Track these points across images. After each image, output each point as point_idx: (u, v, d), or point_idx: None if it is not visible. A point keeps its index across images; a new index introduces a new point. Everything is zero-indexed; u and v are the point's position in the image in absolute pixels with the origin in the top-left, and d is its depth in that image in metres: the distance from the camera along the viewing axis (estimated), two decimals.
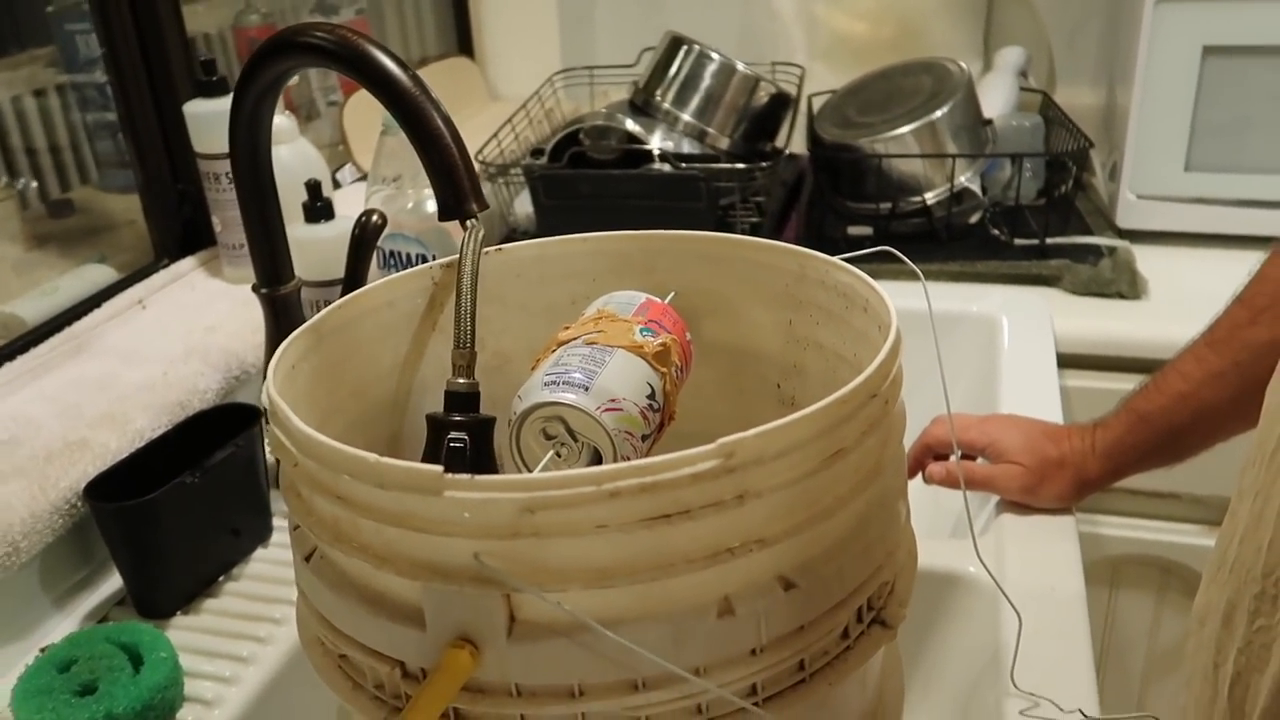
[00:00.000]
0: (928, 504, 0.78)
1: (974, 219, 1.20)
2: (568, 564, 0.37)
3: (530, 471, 0.47)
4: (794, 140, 1.33)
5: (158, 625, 0.68)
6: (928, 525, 0.80)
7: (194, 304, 0.94)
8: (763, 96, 1.24)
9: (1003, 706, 0.60)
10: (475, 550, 0.37)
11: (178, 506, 0.68)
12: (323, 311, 0.52)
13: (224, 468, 0.71)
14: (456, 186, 0.59)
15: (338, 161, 1.27)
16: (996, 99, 1.28)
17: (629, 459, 0.46)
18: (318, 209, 0.88)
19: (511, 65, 1.59)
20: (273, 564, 0.76)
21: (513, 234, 1.26)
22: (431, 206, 0.96)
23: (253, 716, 0.64)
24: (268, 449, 0.80)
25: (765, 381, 0.60)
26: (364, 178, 1.27)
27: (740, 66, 1.21)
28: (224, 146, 0.94)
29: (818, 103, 1.34)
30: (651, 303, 0.52)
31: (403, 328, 0.57)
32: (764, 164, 1.14)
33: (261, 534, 0.78)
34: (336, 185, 1.24)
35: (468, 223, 0.58)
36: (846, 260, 0.55)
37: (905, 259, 0.57)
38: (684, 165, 1.13)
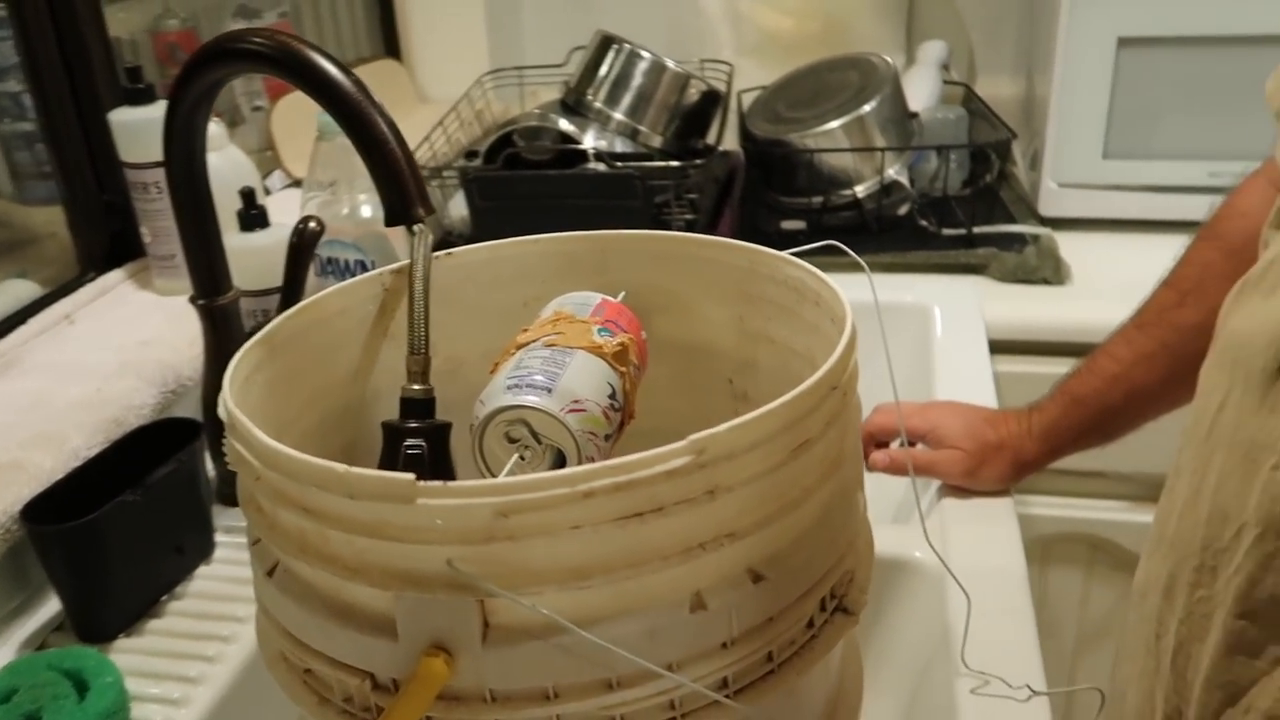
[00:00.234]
0: (870, 490, 0.80)
1: (903, 210, 1.22)
2: (542, 565, 0.37)
3: (495, 476, 0.47)
4: (725, 137, 1.34)
5: (101, 649, 0.67)
6: (871, 512, 0.82)
7: (125, 318, 0.92)
8: (693, 94, 1.25)
9: (953, 686, 0.62)
10: (449, 556, 0.37)
11: (119, 526, 0.67)
12: (274, 321, 0.52)
13: (165, 485, 0.70)
14: (403, 191, 0.59)
15: (266, 168, 1.25)
16: (921, 92, 1.31)
17: (593, 460, 0.46)
18: (252, 217, 0.87)
19: (439, 67, 1.58)
20: (217, 580, 0.75)
21: (448, 237, 1.26)
22: (368, 212, 0.95)
23: None
24: (209, 464, 0.79)
25: (718, 377, 0.60)
26: (294, 184, 1.26)
27: (670, 64, 1.22)
28: (152, 155, 0.93)
29: (747, 99, 1.35)
30: (607, 303, 0.52)
31: (355, 336, 0.57)
32: (698, 161, 1.15)
33: (204, 550, 0.76)
34: (267, 192, 1.22)
35: (415, 228, 0.58)
36: (795, 255, 0.56)
37: (850, 252, 0.58)
38: (619, 164, 1.13)
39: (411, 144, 1.20)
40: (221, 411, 0.44)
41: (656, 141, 1.24)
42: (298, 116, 1.28)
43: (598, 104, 1.22)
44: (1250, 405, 0.47)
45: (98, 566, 0.67)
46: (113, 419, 0.77)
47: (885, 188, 1.19)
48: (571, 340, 0.48)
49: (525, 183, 1.14)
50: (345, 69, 0.60)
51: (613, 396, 0.47)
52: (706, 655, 0.40)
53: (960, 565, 0.69)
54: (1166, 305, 0.70)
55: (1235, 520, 0.45)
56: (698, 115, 1.28)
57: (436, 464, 0.54)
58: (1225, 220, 0.67)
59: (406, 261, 0.58)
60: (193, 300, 0.76)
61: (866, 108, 1.17)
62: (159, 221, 0.94)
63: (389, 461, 0.54)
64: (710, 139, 1.31)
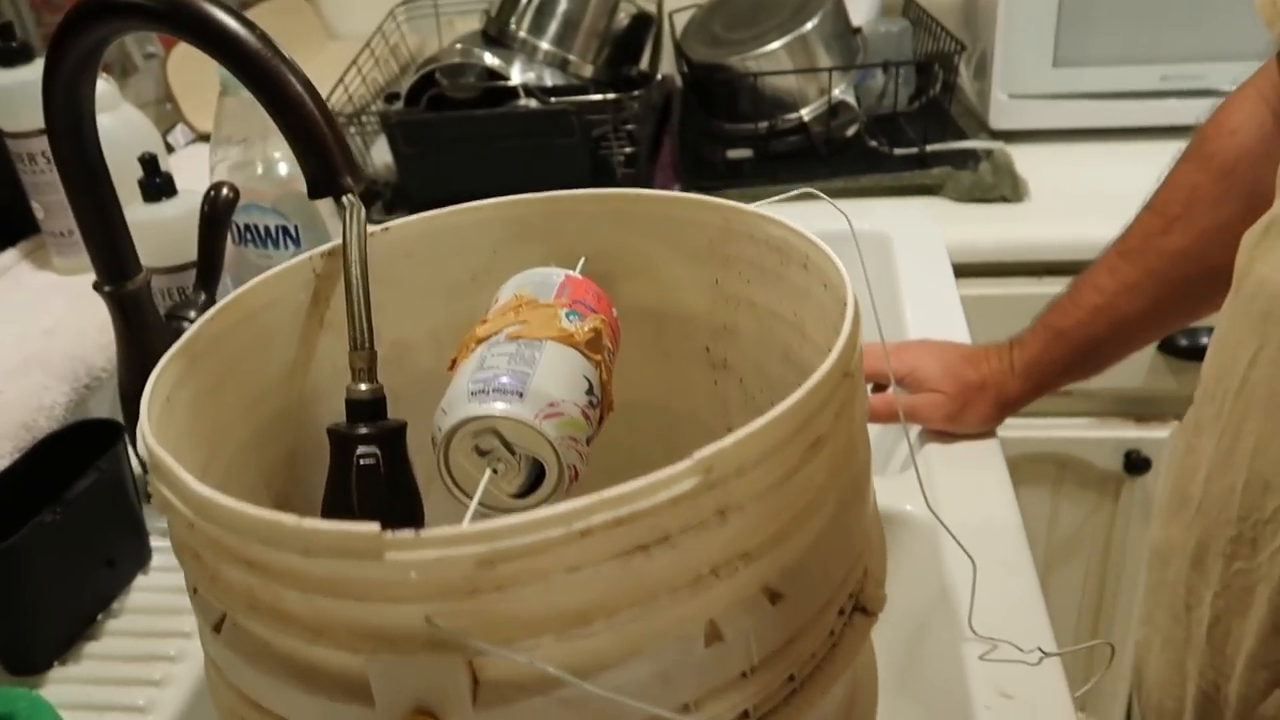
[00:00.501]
0: None
1: (851, 132, 1.17)
2: (536, 614, 0.32)
3: (464, 492, 0.42)
4: (658, 61, 1.27)
5: (32, 683, 0.61)
6: None
7: (23, 303, 0.83)
8: (623, 18, 1.18)
9: (960, 651, 0.59)
10: (427, 613, 0.32)
11: (41, 548, 0.60)
12: (193, 327, 0.45)
13: (88, 497, 0.63)
14: (326, 159, 0.52)
15: (166, 122, 1.15)
16: (861, 5, 1.25)
17: (575, 468, 0.41)
18: (156, 186, 0.79)
19: (347, 0, 1.47)
20: (156, 591, 0.68)
21: (372, 186, 1.17)
22: (285, 170, 0.87)
23: None
24: (135, 464, 0.72)
25: (693, 343, 0.55)
26: (201, 138, 1.16)
27: None
28: (35, 123, 0.83)
29: (680, 20, 1.28)
30: (571, 279, 0.46)
31: (287, 330, 0.50)
32: (636, 92, 1.08)
33: (140, 558, 0.70)
34: (170, 149, 1.12)
35: (344, 199, 0.51)
36: (771, 205, 0.51)
37: (832, 202, 0.53)
38: (552, 100, 1.06)
39: (324, 87, 1.12)
40: (140, 448, 0.38)
41: (588, 71, 1.16)
42: (197, 63, 1.17)
43: (522, 33, 1.14)
44: None
45: (20, 594, 0.61)
46: (21, 424, 0.70)
47: (832, 109, 1.13)
48: (538, 329, 0.42)
49: (452, 125, 1.06)
50: (247, 21, 0.52)
51: (590, 391, 0.42)
52: (725, 689, 0.36)
53: (952, 516, 0.65)
54: (1151, 231, 0.66)
55: (1278, 491, 0.41)
56: (629, 40, 1.21)
57: (393, 471, 0.48)
58: (1213, 140, 0.63)
59: (338, 242, 0.51)
60: (97, 288, 0.69)
61: (809, 25, 1.11)
62: (51, 195, 0.85)
63: (339, 473, 0.48)
64: (644, 65, 1.24)
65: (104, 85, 0.88)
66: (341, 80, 1.13)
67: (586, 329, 0.43)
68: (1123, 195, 1.07)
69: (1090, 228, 1.04)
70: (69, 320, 0.79)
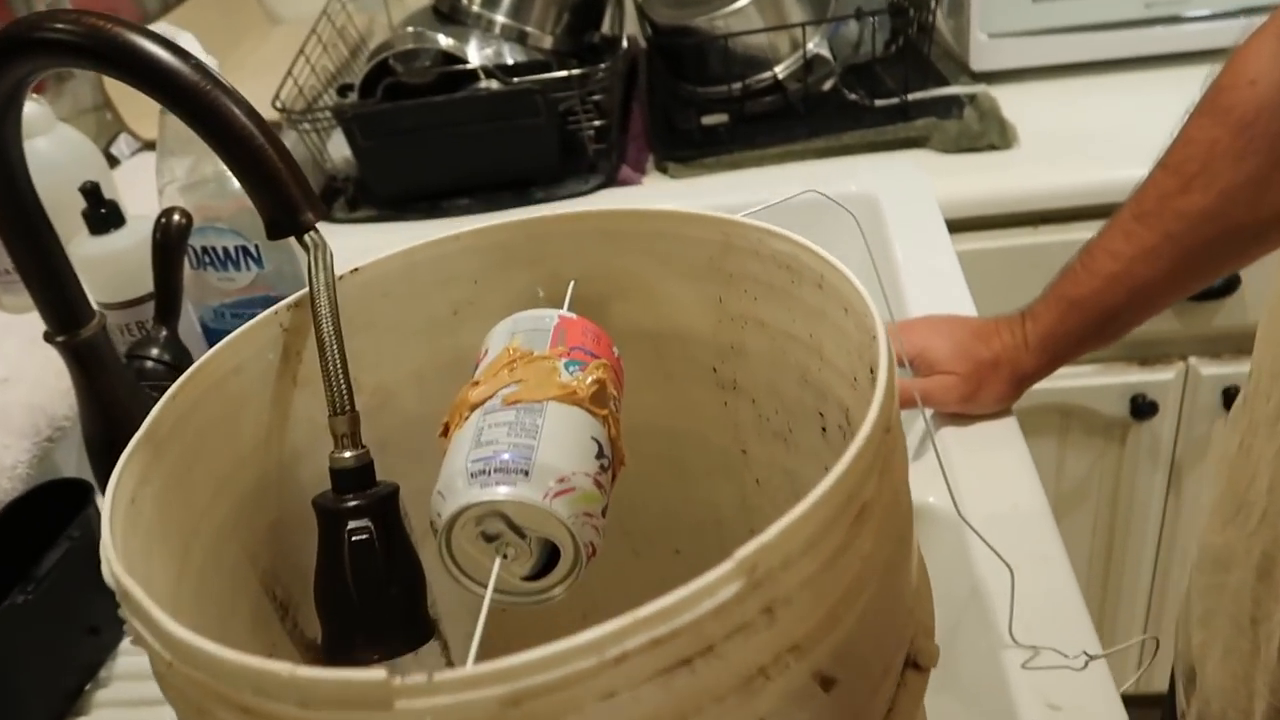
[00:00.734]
0: None
1: (827, 86, 1.12)
2: None
3: (470, 578, 0.38)
4: (618, 25, 1.21)
5: None
6: None
7: None
8: None
9: (1000, 659, 0.56)
10: None
11: (15, 631, 0.56)
12: (155, 408, 0.41)
13: (61, 568, 0.59)
14: (282, 195, 0.47)
15: (108, 133, 1.09)
16: None
17: (593, 544, 0.37)
18: (102, 217, 0.73)
19: None
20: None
21: (332, 182, 1.12)
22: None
23: None
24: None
25: (697, 364, 0.51)
26: (146, 147, 1.10)
27: None
28: None
29: None
30: (565, 321, 0.42)
31: (257, 394, 0.46)
32: (603, 65, 1.02)
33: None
34: (114, 162, 1.06)
35: (307, 239, 0.47)
36: (766, 210, 0.47)
37: (838, 202, 0.49)
38: (514, 80, 1.01)
39: (273, 80, 1.05)
40: (107, 576, 0.34)
41: (547, 43, 1.10)
42: None
43: (475, 7, 1.08)
44: None
45: None
46: None
47: (807, 64, 1.08)
48: (536, 390, 0.38)
49: (411, 114, 1.01)
50: (181, 52, 0.47)
51: (600, 454, 0.38)
52: None
53: (977, 511, 0.62)
54: (1168, 192, 0.62)
55: None
56: (589, 5, 1.15)
57: (390, 544, 0.44)
58: (1230, 90, 0.59)
59: (304, 291, 0.47)
60: (48, 338, 0.64)
61: None
62: None
63: (330, 549, 0.44)
64: (606, 28, 1.18)
65: (35, 108, 0.82)
66: (290, 73, 1.07)
67: (589, 382, 0.39)
68: (1113, 134, 1.04)
69: (1083, 172, 1.01)
70: (23, 366, 0.75)
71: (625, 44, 1.15)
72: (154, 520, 0.39)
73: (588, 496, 0.36)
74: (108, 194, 0.75)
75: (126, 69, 0.47)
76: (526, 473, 0.35)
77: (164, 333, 0.73)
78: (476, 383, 0.40)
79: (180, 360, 0.73)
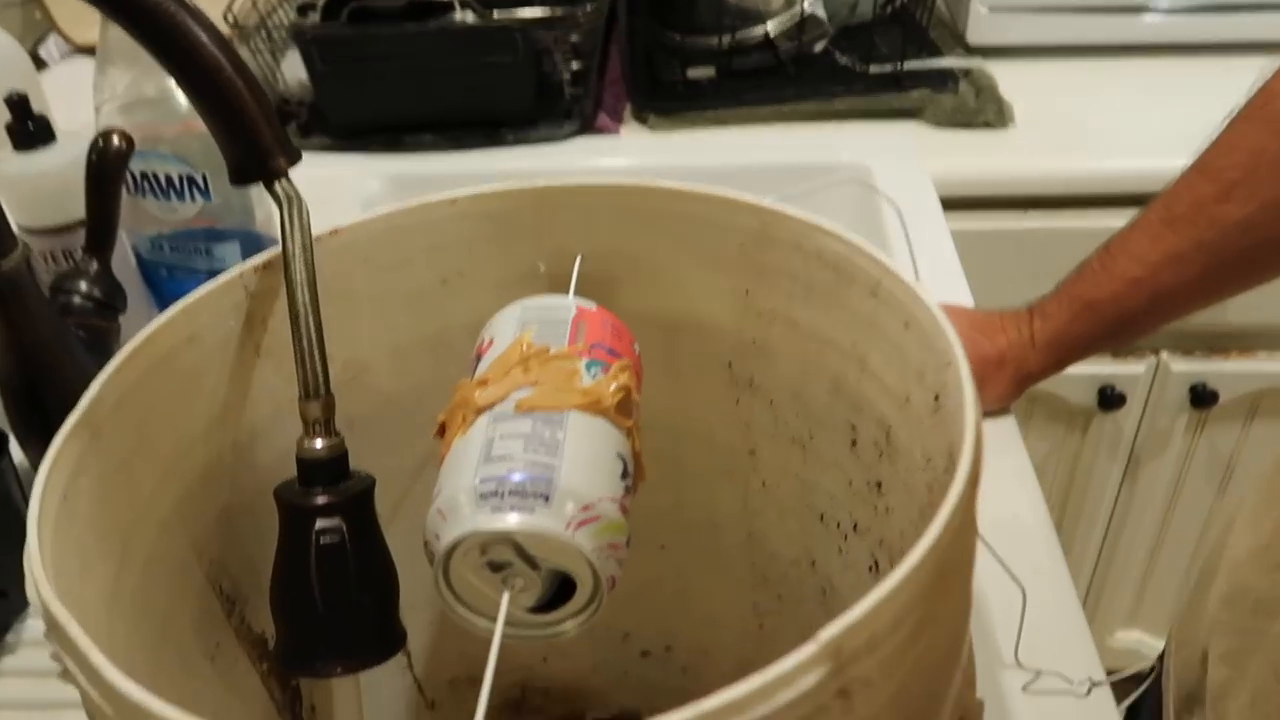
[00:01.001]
0: None
1: (819, 48, 1.06)
2: None
3: (467, 606, 0.33)
4: None
5: None
6: None
7: None
8: None
9: (999, 680, 0.53)
10: None
11: None
12: (94, 386, 0.34)
13: None
14: (250, 137, 0.41)
15: (35, 33, 0.99)
16: None
17: (614, 578, 0.32)
18: (29, 133, 0.65)
19: None
20: None
21: (285, 106, 1.03)
22: (187, 103, 0.73)
23: None
24: (19, 476, 0.61)
25: (712, 359, 0.46)
26: (81, 51, 1.00)
27: None
28: None
29: None
30: (584, 313, 0.37)
31: (214, 366, 0.40)
32: (588, 6, 0.95)
33: None
34: (41, 65, 0.96)
35: (278, 188, 0.40)
36: (807, 192, 0.41)
37: (886, 195, 0.44)
38: (493, 14, 0.93)
39: None
40: (32, 596, 0.28)
41: None
42: None
43: None
44: None
45: None
46: None
47: (801, 21, 1.02)
48: (555, 396, 0.33)
49: (378, 43, 0.93)
50: None
51: (625, 474, 0.33)
52: None
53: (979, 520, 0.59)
54: (1205, 199, 0.58)
55: None
56: None
57: (362, 549, 0.39)
58: None
59: (273, 251, 0.41)
60: None
61: None
62: None
63: (293, 549, 0.38)
64: None
65: None
66: None
67: (614, 389, 0.34)
68: (1112, 123, 1.01)
69: (1079, 160, 0.98)
70: None
71: None
72: (90, 516, 0.33)
73: (613, 526, 0.31)
74: (36, 106, 0.67)
75: None
76: (546, 498, 0.30)
77: (95, 265, 0.65)
78: (484, 381, 0.34)
79: (112, 296, 0.66)
